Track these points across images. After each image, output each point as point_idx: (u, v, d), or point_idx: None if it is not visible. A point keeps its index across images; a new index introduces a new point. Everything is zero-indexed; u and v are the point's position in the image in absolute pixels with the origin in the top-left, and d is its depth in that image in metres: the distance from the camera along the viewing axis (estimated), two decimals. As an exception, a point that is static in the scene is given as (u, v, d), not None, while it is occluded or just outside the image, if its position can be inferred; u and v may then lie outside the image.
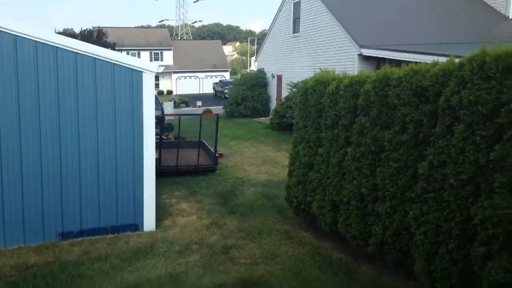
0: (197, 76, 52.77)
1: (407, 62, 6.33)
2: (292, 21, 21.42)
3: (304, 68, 19.86)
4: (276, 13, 23.33)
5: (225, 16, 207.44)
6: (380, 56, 15.12)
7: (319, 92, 7.05)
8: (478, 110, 4.09)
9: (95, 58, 6.56)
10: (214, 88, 47.72)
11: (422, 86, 5.02)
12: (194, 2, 73.44)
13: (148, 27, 72.38)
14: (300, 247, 6.61)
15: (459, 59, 4.71)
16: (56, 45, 6.41)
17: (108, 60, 6.59)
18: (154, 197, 7.24)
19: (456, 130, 4.37)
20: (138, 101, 6.81)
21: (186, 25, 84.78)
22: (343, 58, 16.81)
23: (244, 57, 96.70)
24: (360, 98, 6.00)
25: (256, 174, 11.47)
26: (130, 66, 6.72)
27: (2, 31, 6.17)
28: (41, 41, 6.35)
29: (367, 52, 15.65)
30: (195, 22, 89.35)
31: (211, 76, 52.94)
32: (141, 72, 6.79)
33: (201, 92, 51.57)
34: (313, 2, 19.14)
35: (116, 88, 6.73)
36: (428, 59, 9.45)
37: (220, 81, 47.21)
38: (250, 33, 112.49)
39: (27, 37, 6.28)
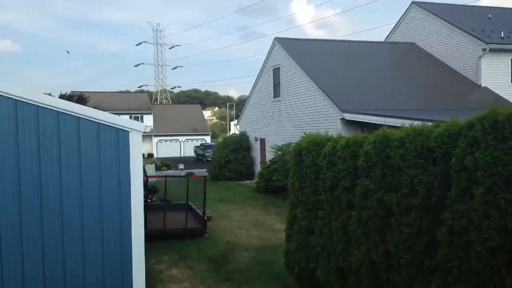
0: (177, 140, 52.88)
1: (391, 127, 6.42)
2: (272, 86, 22.01)
3: (287, 131, 20.13)
4: (256, 79, 24.01)
5: (203, 82, 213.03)
6: (363, 120, 15.50)
7: (314, 153, 6.98)
8: (498, 171, 4.02)
9: (79, 117, 6.35)
10: (195, 151, 47.72)
11: (427, 147, 5.00)
12: (173, 69, 75.48)
13: (127, 92, 73.21)
14: (305, 318, 6.20)
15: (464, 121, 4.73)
16: (36, 103, 6.15)
17: (93, 119, 6.39)
18: (144, 265, 6.79)
19: (476, 193, 4.25)
20: (125, 163, 6.53)
21: (165, 90, 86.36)
22: (325, 122, 17.15)
23: (223, 122, 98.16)
24: (360, 159, 5.94)
25: (247, 238, 11.11)
26: (116, 126, 6.52)
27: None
28: (20, 99, 6.07)
29: (349, 116, 16.05)
30: (174, 87, 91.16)
31: (192, 140, 53.14)
32: (128, 131, 6.59)
33: (182, 155, 51.41)
34: (292, 68, 19.79)
35: (101, 149, 6.46)
36: (413, 124, 9.65)
37: (201, 144, 47.42)
38: (228, 98, 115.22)
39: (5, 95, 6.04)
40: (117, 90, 72.28)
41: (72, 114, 6.31)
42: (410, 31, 23.52)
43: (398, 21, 24.52)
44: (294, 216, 7.44)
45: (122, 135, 6.53)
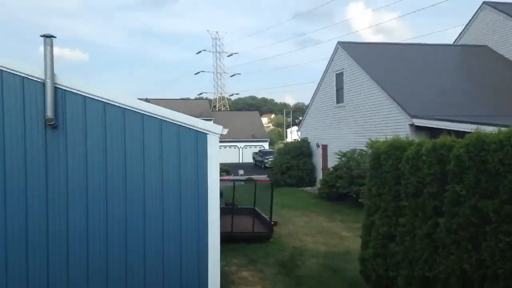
0: (236, 146, 53.46)
1: (461, 133, 5.98)
2: (335, 92, 21.59)
3: (350, 137, 19.66)
4: (318, 84, 23.70)
5: (260, 89, 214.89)
6: (432, 126, 14.79)
7: (394, 158, 6.66)
8: None
9: (161, 119, 6.50)
10: (253, 157, 47.93)
11: (532, 150, 4.59)
12: (231, 76, 76.70)
13: (188, 99, 75.36)
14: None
15: None
16: (122, 106, 6.37)
17: (174, 122, 6.51)
18: (219, 265, 6.78)
19: None
20: (202, 164, 6.59)
21: (223, 97, 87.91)
22: (392, 128, 16.53)
23: (279, 128, 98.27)
24: (450, 163, 5.57)
25: (314, 244, 10.87)
26: (195, 128, 6.60)
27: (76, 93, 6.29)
28: (108, 102, 6.31)
29: (419, 122, 15.37)
30: (232, 94, 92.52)
31: (250, 146, 53.51)
32: (206, 134, 6.64)
33: (240, 162, 51.89)
34: (356, 72, 19.30)
35: (181, 151, 6.56)
36: (489, 129, 9.07)
37: (259, 150, 47.57)
38: (285, 105, 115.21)
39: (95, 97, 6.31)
40: (178, 98, 74.55)
41: (155, 116, 6.47)
42: (482, 33, 22.22)
43: (468, 22, 23.27)
44: (371, 223, 7.13)
45: (200, 137, 6.59)
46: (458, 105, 16.46)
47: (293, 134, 70.53)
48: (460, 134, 5.90)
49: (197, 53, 76.82)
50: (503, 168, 4.85)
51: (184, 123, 6.57)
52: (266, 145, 54.68)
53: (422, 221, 6.03)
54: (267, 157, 40.41)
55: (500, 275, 4.77)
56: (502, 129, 5.23)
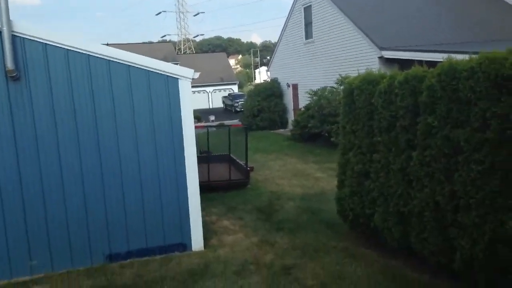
0: (205, 90, 52.53)
1: (434, 63, 5.87)
2: (304, 27, 21.01)
3: (321, 75, 19.42)
4: (286, 20, 22.94)
5: (225, 28, 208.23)
6: (402, 57, 14.65)
7: (367, 92, 6.51)
8: None
9: (129, 65, 6.15)
10: (223, 101, 47.29)
11: (503, 76, 4.49)
12: (194, 15, 73.06)
13: (151, 43, 72.42)
14: (367, 266, 6.02)
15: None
16: (88, 53, 6.01)
17: (143, 67, 6.18)
18: (200, 214, 6.75)
19: None
20: (176, 111, 6.36)
21: (188, 39, 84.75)
22: (362, 62, 16.34)
23: (248, 70, 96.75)
24: (422, 94, 5.46)
25: (290, 188, 10.97)
26: (165, 73, 6.28)
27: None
28: (72, 48, 5.95)
29: (388, 54, 15.19)
30: (197, 36, 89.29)
31: (220, 90, 52.66)
32: (177, 79, 6.36)
33: (210, 107, 51.28)
34: (325, 5, 18.72)
35: (153, 98, 6.29)
36: (460, 57, 9.02)
37: (229, 94, 46.87)
38: (252, 45, 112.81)
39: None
40: (140, 42, 71.43)
41: (122, 62, 6.12)
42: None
43: None
44: (346, 161, 7.10)
45: (172, 82, 6.33)
46: (430, 34, 16.27)
47: (262, 75, 69.61)
48: (432, 64, 5.75)
49: None
50: (474, 96, 4.77)
51: (154, 69, 6.28)
52: (235, 88, 53.90)
53: (396, 155, 6.02)
54: (238, 100, 39.94)
55: (472, 205, 4.80)
56: (474, 56, 5.10)
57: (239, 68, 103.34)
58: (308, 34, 20.65)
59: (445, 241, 5.24)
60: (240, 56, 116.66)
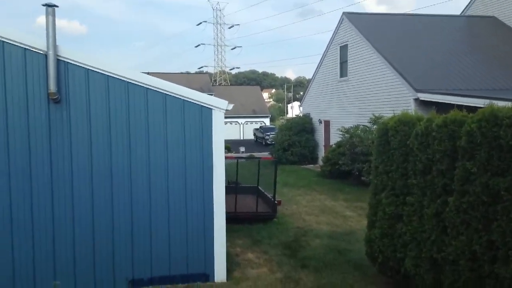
0: (237, 122, 53.12)
1: (471, 108, 5.74)
2: (338, 65, 21.13)
3: (353, 113, 19.36)
4: (321, 58, 23.18)
5: (261, 63, 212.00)
6: (439, 100, 14.44)
7: (403, 134, 6.42)
8: None
9: (165, 94, 6.30)
10: (254, 134, 47.58)
11: (548, 126, 4.35)
12: (232, 49, 74.79)
13: (188, 73, 74.42)
14: (395, 311, 5.77)
15: None
16: (127, 80, 6.21)
17: (178, 96, 6.32)
18: (225, 246, 6.69)
19: None
20: (208, 141, 6.43)
21: (224, 71, 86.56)
22: (397, 103, 16.21)
23: (280, 104, 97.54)
24: (462, 139, 5.33)
25: (317, 225, 10.76)
26: (199, 103, 6.39)
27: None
28: (112, 75, 6.15)
29: (424, 96, 15.01)
30: (233, 68, 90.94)
31: (251, 122, 53.15)
32: (211, 109, 6.45)
33: (241, 138, 51.67)
34: (361, 45, 18.82)
35: (186, 126, 6.39)
36: (501, 104, 8.82)
37: (260, 127, 47.16)
38: (286, 80, 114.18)
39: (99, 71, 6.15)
40: (178, 72, 73.44)
41: (159, 90, 6.28)
42: (490, 3, 21.55)
43: (475, -8, 22.56)
44: (378, 202, 6.93)
45: (205, 112, 6.42)
46: (466, 79, 16.07)
47: (294, 110, 69.98)
48: (470, 109, 5.65)
49: (197, 25, 74.67)
50: (517, 145, 4.62)
51: (189, 98, 6.42)
52: (267, 121, 54.29)
53: (431, 200, 5.84)
54: (268, 133, 40.09)
55: (510, 256, 4.59)
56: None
57: (271, 102, 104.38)
58: (343, 72, 20.75)
59: (481, 293, 4.98)
60: (273, 90, 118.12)
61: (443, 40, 19.21)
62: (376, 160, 7.01)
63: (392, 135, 6.57)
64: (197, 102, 6.44)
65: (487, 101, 7.74)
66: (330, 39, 21.98)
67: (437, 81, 15.57)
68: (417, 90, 15.10)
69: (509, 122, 4.72)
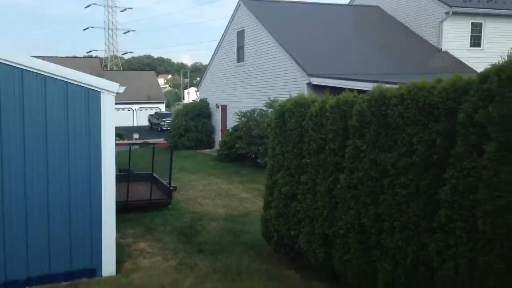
0: (130, 108, 50.67)
1: (361, 91, 6.06)
2: (236, 50, 21.10)
3: (250, 98, 19.49)
4: (219, 43, 22.97)
5: (156, 48, 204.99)
6: (329, 84, 15.09)
7: (299, 115, 6.47)
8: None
9: (45, 75, 5.50)
10: (149, 120, 45.82)
11: (430, 103, 4.60)
12: (124, 33, 70.68)
13: (76, 57, 69.03)
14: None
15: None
16: None
17: (60, 78, 5.55)
18: (114, 236, 6.14)
19: (489, 149, 3.90)
20: (96, 126, 5.77)
21: (115, 56, 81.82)
22: (291, 87, 16.62)
23: (177, 90, 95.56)
24: (353, 118, 5.48)
25: (213, 208, 10.59)
26: (86, 86, 5.71)
27: None
28: None
29: (316, 81, 15.57)
30: (126, 53, 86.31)
31: (146, 108, 51.13)
32: (99, 92, 5.80)
33: (135, 125, 49.46)
34: (258, 30, 18.98)
35: (69, 112, 5.66)
36: (386, 87, 9.42)
37: (155, 113, 45.57)
38: (182, 65, 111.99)
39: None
40: (64, 55, 67.59)
41: (38, 72, 5.43)
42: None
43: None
44: (274, 182, 6.94)
45: (93, 96, 5.73)
46: (355, 64, 17.00)
47: (190, 96, 68.98)
48: (360, 92, 5.85)
49: (86, 7, 68.38)
50: (402, 122, 4.84)
51: (74, 80, 5.65)
52: (162, 107, 52.73)
53: (323, 177, 5.97)
54: (164, 119, 38.95)
55: (396, 228, 4.84)
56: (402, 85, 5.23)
57: (167, 87, 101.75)
58: (240, 57, 20.76)
59: (368, 263, 5.20)
60: (169, 76, 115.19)
61: (334, 27, 20.17)
62: (273, 142, 7.00)
63: (289, 116, 6.59)
64: (84, 85, 5.74)
65: (374, 85, 8.14)
66: (227, 24, 21.83)
67: (328, 66, 16.26)
68: (310, 75, 15.60)
69: (397, 101, 4.92)
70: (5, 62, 5.34)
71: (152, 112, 48.44)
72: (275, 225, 6.74)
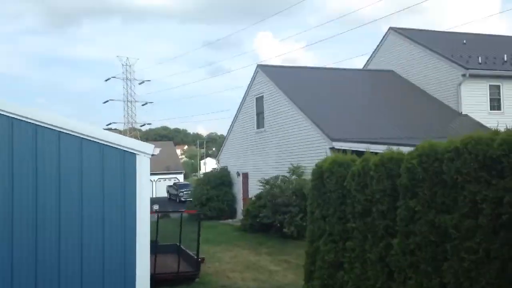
0: (149, 179, 50.87)
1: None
2: (255, 117, 21.17)
3: (272, 164, 19.25)
4: (238, 110, 23.18)
5: (172, 119, 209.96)
6: (353, 148, 14.81)
7: (339, 175, 6.11)
8: None
9: (82, 138, 5.36)
10: (168, 191, 45.63)
11: (491, 157, 4.24)
12: (143, 105, 72.29)
13: (96, 132, 70.42)
14: None
15: None
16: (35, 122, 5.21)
17: (96, 140, 5.40)
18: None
19: None
20: (131, 190, 5.52)
21: (134, 128, 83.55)
22: (313, 152, 16.41)
23: (193, 160, 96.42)
24: (402, 177, 5.10)
25: (243, 282, 9.99)
26: (122, 148, 5.54)
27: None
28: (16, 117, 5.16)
29: (339, 145, 15.30)
30: (144, 124, 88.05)
31: (165, 179, 51.19)
32: (135, 154, 5.61)
33: (154, 196, 49.20)
34: (277, 96, 19.11)
35: (105, 175, 5.44)
36: (406, 149, 9.08)
37: (174, 183, 45.46)
38: (198, 136, 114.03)
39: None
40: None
41: (74, 134, 5.31)
42: (389, 58, 23.40)
43: (376, 47, 24.42)
44: (315, 250, 6.43)
45: (128, 158, 5.54)
46: (373, 129, 16.82)
47: (207, 166, 69.13)
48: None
49: (105, 81, 70.64)
50: (461, 178, 4.45)
51: (109, 142, 5.51)
52: (181, 178, 52.80)
53: (373, 243, 5.47)
54: (183, 190, 38.70)
55: (468, 298, 4.27)
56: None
57: (184, 158, 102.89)
58: (260, 124, 20.79)
59: None
60: (186, 147, 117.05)
61: (351, 92, 20.31)
62: (311, 205, 6.60)
63: (328, 177, 6.24)
64: (119, 147, 5.58)
65: (395, 148, 7.88)
66: (246, 91, 22.16)
67: (347, 131, 16.10)
68: (332, 139, 15.40)
69: (452, 155, 4.58)
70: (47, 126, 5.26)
71: (171, 183, 48.38)
72: (321, 298, 6.14)
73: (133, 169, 5.60)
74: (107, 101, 65.60)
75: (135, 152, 5.63)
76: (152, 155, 5.72)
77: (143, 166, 5.64)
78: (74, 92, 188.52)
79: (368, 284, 5.45)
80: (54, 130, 5.30)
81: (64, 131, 5.33)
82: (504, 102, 19.59)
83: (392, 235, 5.23)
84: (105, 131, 5.72)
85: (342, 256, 5.92)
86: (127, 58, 61.96)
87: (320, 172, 6.43)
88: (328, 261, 6.08)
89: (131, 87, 66.47)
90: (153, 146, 5.74)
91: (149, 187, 5.73)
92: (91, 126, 5.57)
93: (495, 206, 4.14)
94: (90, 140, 5.44)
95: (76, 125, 5.40)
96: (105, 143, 5.51)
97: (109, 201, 5.47)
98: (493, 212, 4.14)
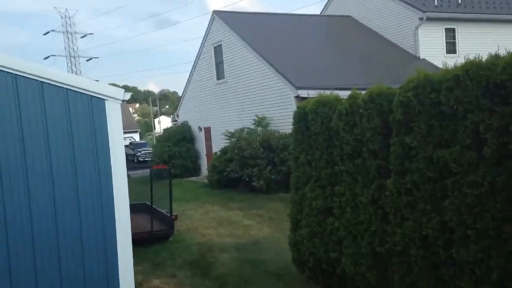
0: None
1: None
2: (214, 67, 20.25)
3: (235, 117, 18.69)
4: (195, 61, 22.03)
5: (119, 74, 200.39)
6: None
7: (324, 116, 5.70)
8: None
9: (42, 82, 4.62)
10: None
11: (495, 82, 3.94)
12: (87, 60, 67.60)
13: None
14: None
15: None
16: None
17: (59, 84, 4.68)
18: (133, 275, 5.17)
19: None
20: (102, 140, 4.91)
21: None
22: (278, 101, 16.01)
23: (146, 119, 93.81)
24: (396, 112, 4.76)
25: (219, 238, 9.72)
26: (88, 92, 4.86)
27: None
28: None
29: (304, 93, 14.92)
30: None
31: (120, 139, 49.42)
32: (104, 100, 4.95)
33: (109, 158, 47.61)
34: (236, 43, 18.15)
35: (72, 122, 4.78)
36: None
37: (130, 143, 43.77)
38: (149, 93, 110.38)
39: None
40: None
41: (33, 77, 4.55)
42: (345, 3, 22.93)
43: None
44: (301, 197, 6.11)
45: (97, 104, 4.88)
46: (336, 75, 16.53)
47: (162, 124, 67.33)
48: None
49: (44, 34, 64.79)
50: (462, 108, 4.16)
51: (73, 86, 4.81)
52: (136, 137, 51.12)
53: (364, 185, 5.20)
54: (140, 149, 37.53)
55: (471, 237, 4.06)
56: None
57: (137, 117, 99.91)
58: (220, 75, 19.93)
59: (437, 284, 4.41)
60: (137, 105, 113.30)
61: (309, 39, 19.80)
62: (295, 150, 6.22)
63: (312, 118, 5.82)
64: (86, 92, 4.90)
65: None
66: (202, 40, 20.97)
67: (310, 79, 15.69)
68: (297, 87, 14.96)
69: (451, 84, 4.25)
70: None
71: (127, 142, 46.76)
72: (309, 247, 5.87)
73: (103, 117, 4.97)
74: (48, 56, 60.67)
75: (103, 97, 4.96)
76: (123, 100, 5.08)
77: (113, 113, 5.01)
78: (10, 47, 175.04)
79: (360, 228, 5.22)
80: (9, 73, 4.52)
81: (22, 74, 4.55)
82: (460, 45, 19.80)
83: (385, 175, 4.97)
84: (70, 74, 4.97)
85: (331, 202, 5.64)
86: (66, 9, 57.26)
87: (302, 114, 6.00)
88: (316, 207, 5.79)
89: (72, 41, 62.00)
90: (123, 90, 5.09)
91: (122, 137, 5.13)
92: (52, 69, 4.81)
93: (500, 135, 3.89)
94: (51, 84, 4.70)
95: (34, 67, 4.63)
96: (69, 87, 4.80)
97: (79, 152, 4.86)
98: (498, 141, 3.89)
